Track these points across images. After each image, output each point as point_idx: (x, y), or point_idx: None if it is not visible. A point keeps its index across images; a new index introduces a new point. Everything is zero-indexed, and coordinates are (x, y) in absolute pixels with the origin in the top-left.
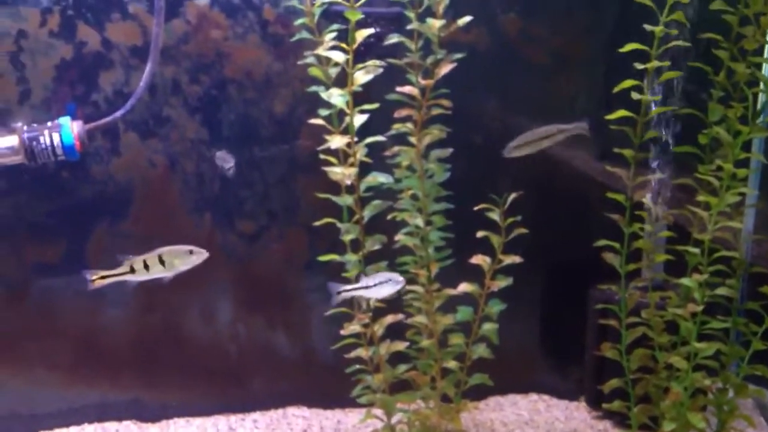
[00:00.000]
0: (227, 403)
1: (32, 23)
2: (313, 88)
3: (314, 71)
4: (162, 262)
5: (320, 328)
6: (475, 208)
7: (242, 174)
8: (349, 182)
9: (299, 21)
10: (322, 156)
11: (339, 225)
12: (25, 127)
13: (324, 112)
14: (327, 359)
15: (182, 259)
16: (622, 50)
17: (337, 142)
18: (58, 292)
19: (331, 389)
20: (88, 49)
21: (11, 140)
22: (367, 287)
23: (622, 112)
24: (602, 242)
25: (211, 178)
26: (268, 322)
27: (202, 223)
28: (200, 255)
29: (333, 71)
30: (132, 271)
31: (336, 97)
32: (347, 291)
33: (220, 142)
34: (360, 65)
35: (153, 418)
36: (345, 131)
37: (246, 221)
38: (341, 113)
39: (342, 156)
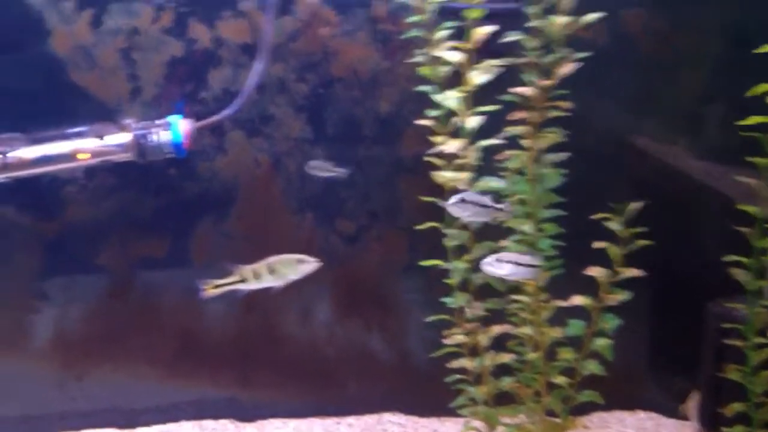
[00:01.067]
0: (323, 405)
1: (145, 19)
2: (422, 88)
3: (424, 70)
4: (272, 271)
5: (419, 332)
6: (594, 217)
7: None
8: (461, 187)
9: (411, 18)
10: (427, 158)
11: (445, 230)
12: (135, 125)
13: (432, 112)
14: (425, 365)
15: (292, 268)
16: (758, 51)
17: (451, 145)
18: (161, 288)
19: (427, 396)
20: (198, 47)
21: (122, 137)
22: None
23: (758, 119)
24: (731, 257)
25: (314, 178)
26: (365, 324)
27: (304, 223)
28: (310, 264)
29: (443, 70)
30: (242, 280)
31: (451, 99)
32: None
33: (324, 141)
34: (476, 65)
35: (249, 417)
36: (454, 133)
37: (346, 221)
38: (449, 114)
39: (449, 159)
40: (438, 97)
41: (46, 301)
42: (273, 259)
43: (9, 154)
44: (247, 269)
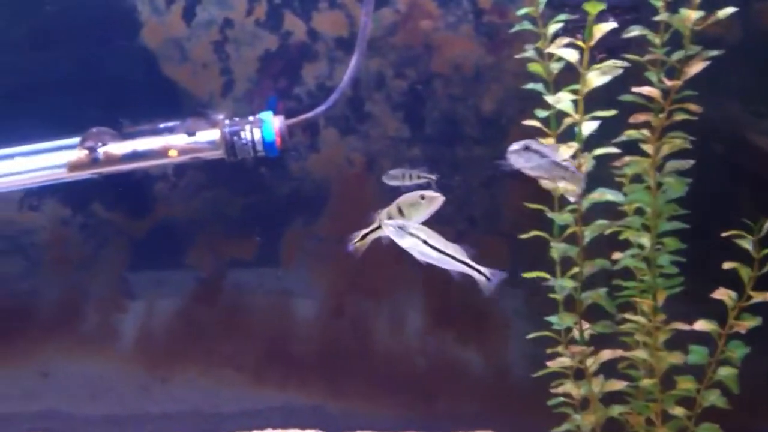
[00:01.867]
0: (412, 419)
1: (239, 12)
2: (530, 86)
3: (534, 67)
4: (401, 211)
5: (517, 348)
6: (725, 234)
7: (442, 175)
8: (573, 198)
9: (522, 11)
10: None
11: (553, 244)
12: (227, 121)
13: (542, 113)
14: (524, 384)
15: (417, 207)
16: None
17: (563, 152)
18: (250, 291)
19: (524, 416)
20: (293, 40)
21: (213, 134)
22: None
23: None
24: None
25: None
26: (460, 337)
27: None
28: (431, 200)
29: (556, 67)
30: (380, 226)
31: (565, 101)
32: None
33: (421, 141)
34: (596, 65)
35: (337, 427)
36: (566, 136)
37: (443, 226)
38: (560, 114)
39: None
40: (550, 99)
41: (133, 301)
42: (399, 200)
43: (99, 149)
44: (382, 213)
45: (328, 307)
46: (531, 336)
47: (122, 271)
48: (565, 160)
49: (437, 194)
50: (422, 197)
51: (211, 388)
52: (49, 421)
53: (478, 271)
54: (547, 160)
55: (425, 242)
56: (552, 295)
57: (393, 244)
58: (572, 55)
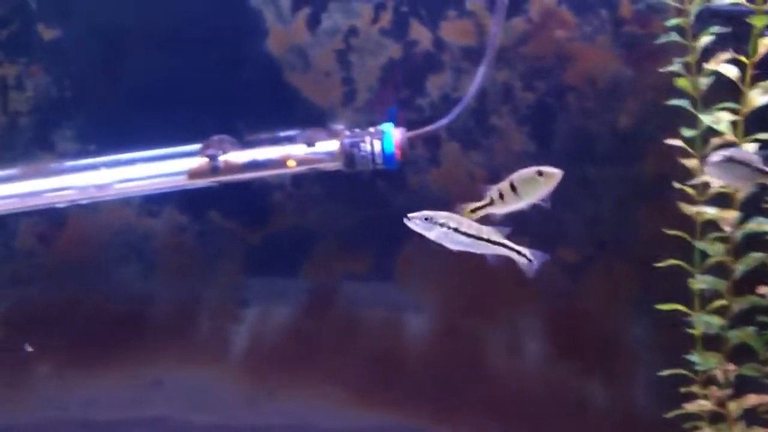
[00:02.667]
0: None
1: (364, 19)
2: (675, 102)
3: (681, 82)
4: (514, 189)
5: (646, 383)
6: None
7: (570, 195)
8: (728, 228)
9: (671, 21)
10: (677, 185)
11: (699, 276)
12: (346, 132)
13: (688, 132)
14: (650, 421)
15: (533, 184)
16: None
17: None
18: (362, 306)
19: None
20: (418, 49)
21: (332, 145)
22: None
23: None
24: None
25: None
26: (584, 368)
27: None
28: (549, 176)
29: (705, 83)
30: (491, 202)
31: (724, 122)
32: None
33: (549, 157)
34: (759, 83)
35: None
36: None
37: (568, 249)
38: (707, 133)
39: (704, 188)
40: (707, 119)
41: (246, 311)
42: (513, 176)
43: (220, 157)
44: (493, 190)
45: (439, 328)
46: (664, 373)
47: (236, 281)
48: None
49: (555, 170)
50: (539, 173)
51: (317, 403)
52: (157, 429)
53: (519, 252)
54: (750, 170)
55: (456, 230)
56: (689, 330)
57: (514, 266)
58: (732, 72)
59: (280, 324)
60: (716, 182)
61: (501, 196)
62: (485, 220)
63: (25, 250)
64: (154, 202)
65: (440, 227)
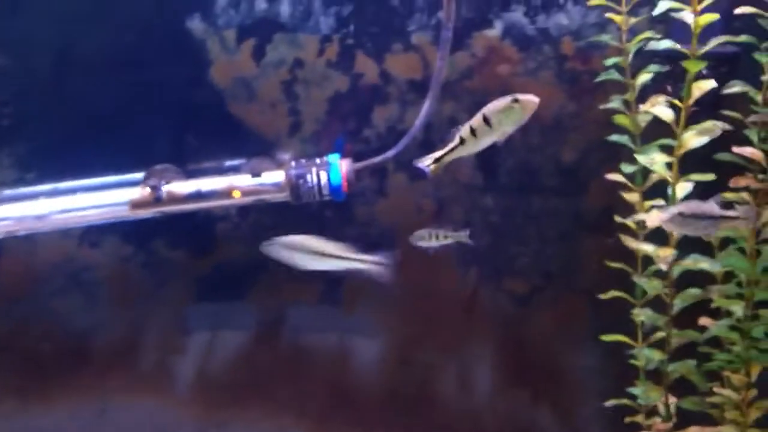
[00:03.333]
0: None
1: (310, 51)
2: (615, 138)
3: (620, 119)
4: (487, 122)
5: (595, 416)
6: None
7: (516, 227)
8: (664, 267)
9: (610, 60)
10: (618, 220)
11: (638, 310)
12: (293, 163)
13: (628, 168)
14: None
15: (507, 113)
16: None
17: (653, 219)
18: (310, 335)
19: None
20: (364, 82)
21: (278, 176)
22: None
23: None
24: None
25: (481, 229)
26: (532, 398)
27: (467, 279)
28: (525, 105)
29: (644, 119)
30: (462, 142)
31: (659, 164)
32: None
33: (495, 189)
34: (693, 125)
35: None
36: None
37: (516, 280)
38: (646, 170)
39: (642, 223)
40: (642, 159)
41: (191, 340)
42: (489, 108)
43: (163, 188)
44: (463, 128)
45: (392, 356)
46: (609, 404)
47: (182, 311)
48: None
49: (532, 97)
50: (515, 100)
51: None
52: None
53: (371, 262)
54: (711, 222)
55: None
56: (633, 362)
57: (462, 297)
58: (667, 115)
59: (229, 355)
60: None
61: (473, 132)
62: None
63: None
64: (95, 233)
65: (284, 249)
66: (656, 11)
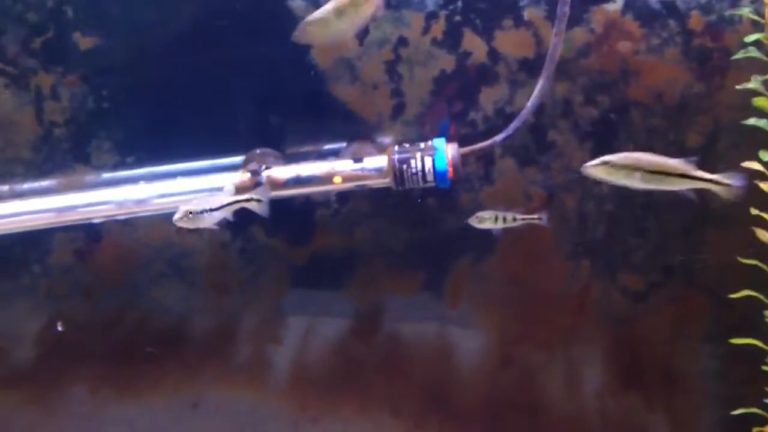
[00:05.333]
0: None
1: (414, 29)
2: (752, 121)
3: (760, 102)
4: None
5: (718, 425)
6: None
7: (634, 218)
8: None
9: (751, 37)
10: (754, 211)
11: None
12: (396, 147)
13: (766, 155)
14: None
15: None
16: None
17: None
18: (411, 331)
19: None
20: (471, 61)
21: (380, 161)
22: None
23: None
24: None
25: (595, 220)
26: (645, 401)
27: (578, 272)
28: None
29: None
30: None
31: None
32: None
33: None
34: None
35: None
36: None
37: (632, 275)
38: None
39: None
40: None
41: (286, 331)
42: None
43: (263, 173)
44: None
45: (493, 356)
46: (736, 412)
47: (278, 300)
48: None
49: None
50: None
51: (364, 430)
52: None
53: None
54: None
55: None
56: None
57: (572, 291)
58: None
59: (325, 348)
60: None
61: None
62: None
63: (61, 266)
64: None
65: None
66: None
